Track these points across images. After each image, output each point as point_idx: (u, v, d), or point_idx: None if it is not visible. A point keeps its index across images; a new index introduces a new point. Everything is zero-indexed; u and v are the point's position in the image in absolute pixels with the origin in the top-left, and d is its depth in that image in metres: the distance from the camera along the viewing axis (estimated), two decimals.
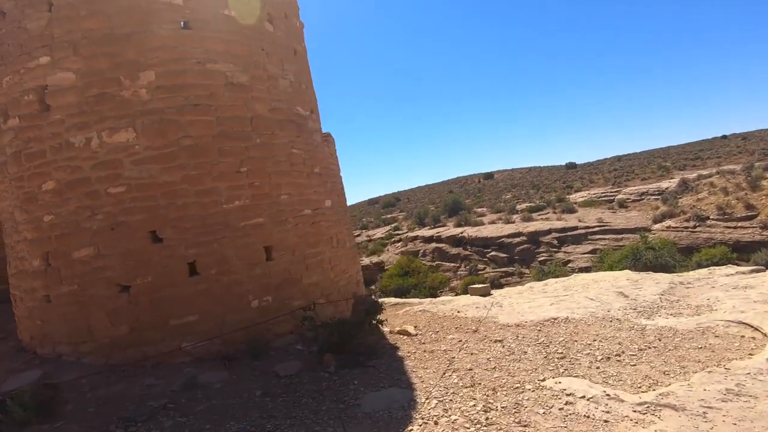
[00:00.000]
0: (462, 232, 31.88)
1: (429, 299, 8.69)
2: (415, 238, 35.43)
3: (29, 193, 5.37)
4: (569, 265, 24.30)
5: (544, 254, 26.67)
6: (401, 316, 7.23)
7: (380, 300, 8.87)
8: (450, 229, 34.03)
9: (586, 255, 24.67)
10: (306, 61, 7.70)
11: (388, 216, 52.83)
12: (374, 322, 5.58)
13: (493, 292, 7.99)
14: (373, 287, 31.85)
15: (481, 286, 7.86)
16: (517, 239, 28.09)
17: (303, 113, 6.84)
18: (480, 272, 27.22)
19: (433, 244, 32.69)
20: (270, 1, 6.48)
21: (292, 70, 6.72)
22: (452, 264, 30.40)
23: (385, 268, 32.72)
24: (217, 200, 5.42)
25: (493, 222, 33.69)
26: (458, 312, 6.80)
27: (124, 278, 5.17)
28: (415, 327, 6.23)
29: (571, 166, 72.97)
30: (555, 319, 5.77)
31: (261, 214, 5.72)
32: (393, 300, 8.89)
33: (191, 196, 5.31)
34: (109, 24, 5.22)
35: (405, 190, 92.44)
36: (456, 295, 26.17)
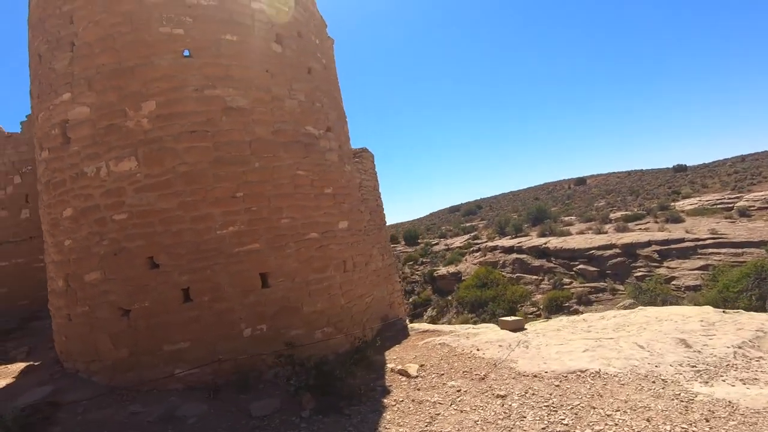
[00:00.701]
0: (546, 243, 29.70)
1: (461, 327, 7.91)
2: (495, 248, 33.80)
3: (55, 219, 5.83)
4: (673, 282, 21.38)
5: (641, 269, 23.75)
6: (419, 348, 6.63)
7: (410, 325, 8.32)
8: (533, 239, 31.92)
9: (694, 272, 21.46)
10: (326, 77, 7.49)
11: (468, 224, 51.12)
12: (365, 360, 5.10)
13: (527, 326, 7.00)
14: (449, 297, 31.11)
15: (512, 319, 6.93)
16: (610, 251, 25.35)
17: (314, 133, 6.63)
18: (565, 287, 25.07)
19: (514, 255, 30.89)
20: (280, 22, 6.37)
21: (303, 89, 6.55)
22: (534, 276, 28.41)
23: (463, 278, 31.71)
24: (212, 226, 5.39)
25: (581, 232, 30.90)
26: (477, 350, 6.03)
27: (125, 302, 5.36)
28: (422, 366, 5.62)
29: (680, 168, 64.17)
30: (583, 372, 4.79)
31: (257, 239, 5.58)
32: (423, 326, 8.28)
33: (186, 222, 5.34)
34: (117, 58, 5.47)
35: (488, 197, 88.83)
36: (537, 311, 24.44)
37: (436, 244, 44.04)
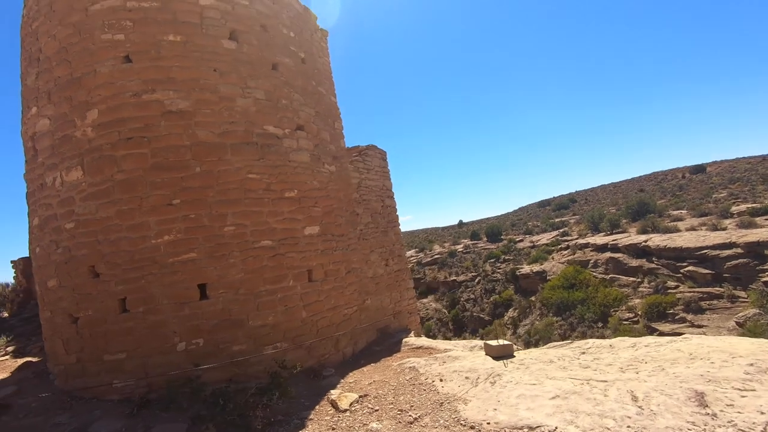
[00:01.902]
0: (646, 241, 26.08)
1: (457, 347, 6.87)
2: (586, 245, 30.61)
3: (30, 227, 6.15)
4: None
5: None
6: (388, 370, 5.86)
7: (406, 340, 7.50)
8: (631, 237, 28.25)
9: None
10: (303, 72, 6.99)
11: (558, 220, 46.86)
12: (280, 388, 4.52)
13: (518, 353, 5.79)
14: (532, 298, 28.99)
15: (498, 344, 5.76)
16: (729, 251, 21.38)
17: (276, 132, 6.17)
18: (670, 291, 21.80)
19: (608, 254, 27.63)
20: (235, 16, 6.02)
21: (263, 86, 6.13)
22: (631, 278, 25.13)
23: (548, 278, 29.34)
24: (147, 235, 5.22)
25: (692, 228, 26.55)
26: (440, 380, 5.10)
27: (73, 309, 5.43)
28: (363, 397, 4.89)
29: None
30: (532, 429, 3.73)
31: (194, 248, 5.30)
32: (420, 341, 7.37)
33: (123, 231, 5.24)
34: (70, 69, 5.55)
35: (583, 189, 79.86)
36: (635, 316, 21.53)
37: (521, 240, 41.42)
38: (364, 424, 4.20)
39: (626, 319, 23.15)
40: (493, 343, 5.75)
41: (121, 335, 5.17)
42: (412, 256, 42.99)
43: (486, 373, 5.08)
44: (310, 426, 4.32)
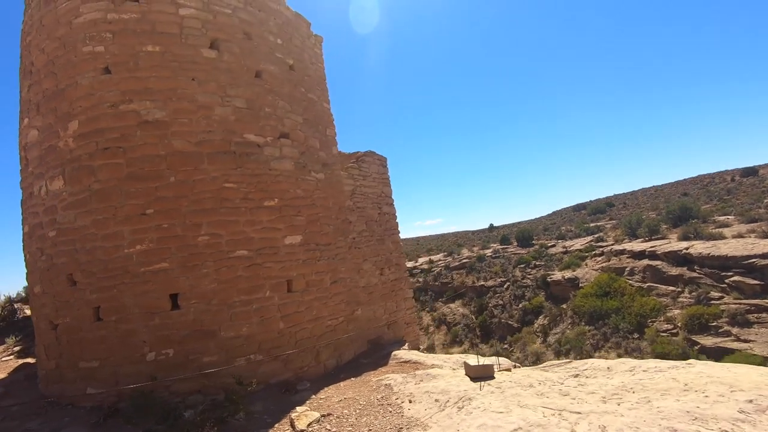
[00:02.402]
0: (688, 248, 24.62)
1: (440, 365, 6.52)
2: (622, 252, 29.22)
3: (23, 235, 6.35)
4: None
5: None
6: (364, 386, 5.65)
7: (397, 353, 7.25)
8: (671, 243, 26.72)
9: None
10: (290, 79, 6.91)
11: (593, 225, 44.87)
12: (233, 407, 4.41)
13: (499, 374, 5.41)
14: (564, 306, 27.98)
15: (478, 364, 5.39)
16: None
17: (257, 141, 6.11)
18: (713, 302, 20.50)
19: (645, 261, 26.26)
20: (217, 25, 6.01)
21: (243, 94, 6.08)
22: (671, 288, 23.78)
23: (581, 285, 28.25)
24: (120, 245, 5.26)
25: (740, 236, 24.83)
26: (409, 402, 4.84)
27: (53, 316, 5.56)
28: (325, 416, 4.70)
29: None
30: None
31: (166, 258, 5.29)
32: (408, 356, 7.07)
33: (98, 240, 5.31)
34: (56, 81, 5.70)
35: (622, 193, 75.63)
36: (673, 328, 20.32)
37: (553, 246, 40.09)
38: None
39: (664, 331, 21.89)
40: (473, 362, 5.44)
41: (95, 343, 5.23)
42: (440, 260, 42.46)
43: (457, 396, 4.79)
44: None
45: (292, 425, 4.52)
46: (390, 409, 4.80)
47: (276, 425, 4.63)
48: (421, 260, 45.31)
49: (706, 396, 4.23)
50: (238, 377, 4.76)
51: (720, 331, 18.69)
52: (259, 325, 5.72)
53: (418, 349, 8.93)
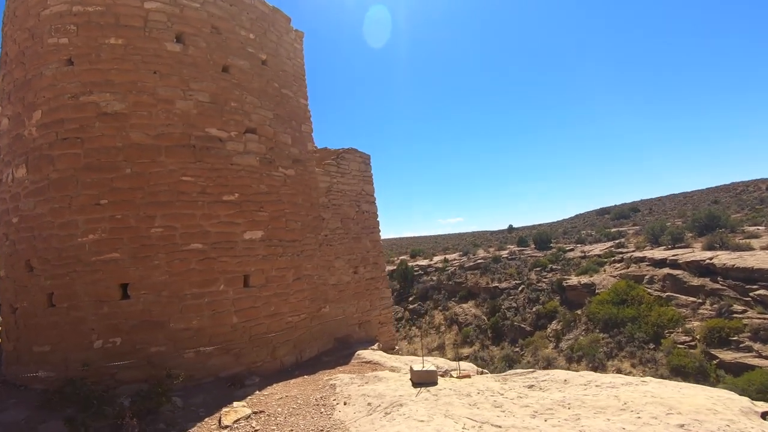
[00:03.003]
0: (712, 258, 23.68)
1: (399, 367, 6.41)
2: (642, 259, 28.30)
3: None
4: None
5: None
6: (312, 384, 5.62)
7: (361, 353, 7.18)
8: (694, 253, 25.71)
9: None
10: (260, 74, 6.90)
11: (615, 230, 43.39)
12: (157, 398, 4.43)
13: (446, 381, 5.25)
14: (578, 312, 27.40)
15: (422, 369, 5.24)
16: None
17: (219, 135, 6.13)
18: (736, 315, 19.69)
19: (666, 270, 25.38)
20: (183, 18, 6.04)
21: (208, 89, 6.11)
22: (691, 299, 22.92)
23: (597, 291, 27.55)
24: (74, 233, 5.37)
25: None
26: (345, 404, 4.78)
27: (13, 300, 5.74)
28: (257, 414, 4.67)
29: None
30: None
31: (118, 248, 5.37)
32: (371, 356, 6.97)
33: (54, 228, 5.43)
34: (24, 71, 5.86)
35: (648, 198, 72.29)
36: (692, 340, 19.59)
37: (571, 249, 39.20)
38: None
39: (682, 343, 21.13)
40: (418, 367, 5.33)
41: (48, 329, 5.37)
42: (455, 260, 42.07)
43: (390, 401, 4.70)
44: None
45: (219, 421, 4.52)
46: (322, 410, 4.76)
47: (207, 419, 4.65)
48: (436, 258, 45.01)
49: (639, 417, 4.03)
50: (169, 370, 4.79)
51: (741, 346, 17.99)
52: (211, 319, 5.75)
53: (392, 349, 8.85)
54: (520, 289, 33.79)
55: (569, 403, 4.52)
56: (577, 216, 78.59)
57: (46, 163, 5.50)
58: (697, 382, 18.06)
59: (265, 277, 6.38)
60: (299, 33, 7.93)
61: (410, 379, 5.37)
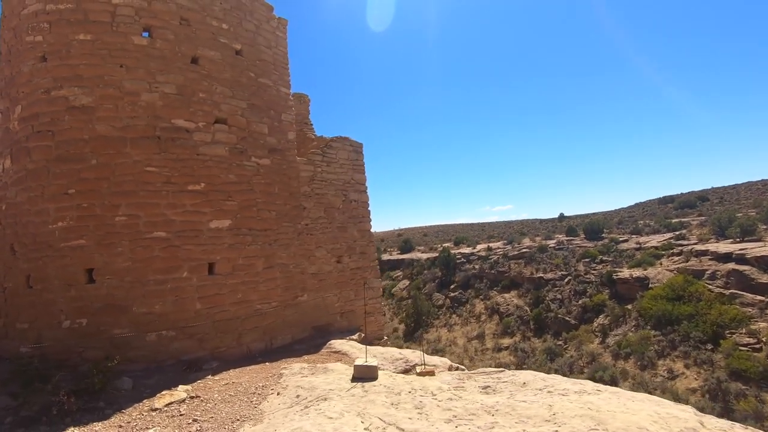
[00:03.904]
0: None
1: (366, 361, 6.31)
2: (704, 252, 26.15)
3: None
4: None
5: None
6: (262, 372, 5.70)
7: (334, 342, 7.17)
8: (766, 247, 23.36)
9: None
10: (234, 64, 6.96)
11: (676, 220, 39.87)
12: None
13: (387, 378, 5.07)
14: (629, 307, 26.07)
15: (361, 364, 5.09)
16: None
17: (186, 126, 6.27)
18: None
19: (731, 265, 23.37)
20: (151, 12, 6.19)
21: (175, 80, 6.25)
22: (759, 297, 21.05)
23: (650, 285, 25.92)
24: (46, 221, 5.75)
25: None
26: (277, 394, 4.82)
27: (2, 280, 6.27)
28: (193, 399, 4.82)
29: None
30: None
31: (84, 235, 5.69)
32: (341, 347, 6.87)
33: (31, 215, 5.85)
34: (11, 69, 6.29)
35: (720, 186, 64.48)
36: (757, 343, 18.07)
37: (625, 240, 36.95)
38: (142, 429, 4.17)
39: (745, 345, 19.50)
40: (360, 362, 5.24)
41: (26, 308, 5.83)
42: (498, 248, 41.03)
43: (318, 394, 4.67)
44: (113, 418, 4.43)
45: (152, 403, 4.71)
46: (254, 399, 4.83)
47: (146, 400, 4.86)
48: (479, 247, 44.12)
49: (557, 431, 3.72)
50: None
51: None
52: (174, 304, 5.97)
53: (380, 339, 8.78)
54: (566, 280, 32.40)
55: (498, 410, 4.26)
56: (636, 204, 73.19)
57: (24, 155, 5.91)
58: (760, 388, 16.48)
59: (232, 265, 6.52)
60: (282, 21, 7.89)
61: (355, 373, 5.29)
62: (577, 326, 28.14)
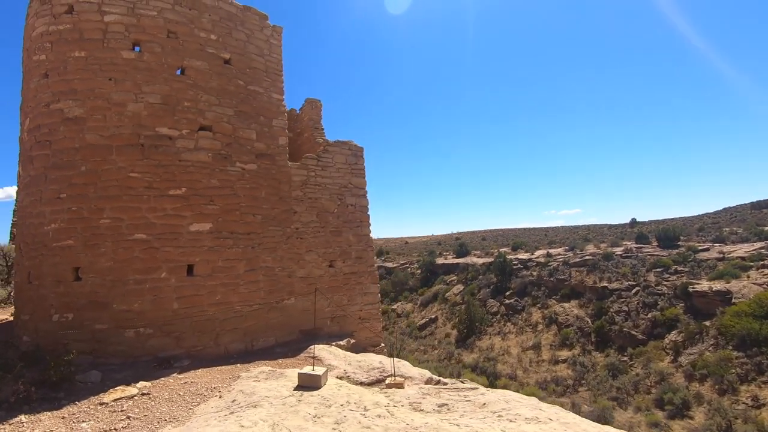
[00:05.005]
0: None
1: (336, 367, 6.15)
2: None
3: None
4: None
5: None
6: (231, 374, 5.80)
7: (312, 346, 7.12)
8: None
9: None
10: (222, 72, 7.22)
11: None
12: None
13: (334, 388, 4.86)
14: (707, 323, 23.81)
15: (308, 372, 4.89)
16: None
17: (170, 134, 6.59)
18: None
19: None
20: (140, 27, 6.58)
21: (160, 90, 6.60)
22: None
23: (733, 301, 23.42)
24: (43, 222, 6.31)
25: None
26: (219, 397, 4.87)
27: (16, 276, 6.97)
28: (143, 396, 5.00)
29: None
30: None
31: (72, 236, 6.16)
32: (320, 352, 6.71)
33: (32, 217, 6.46)
34: (25, 86, 7.00)
35: None
36: None
37: (705, 249, 33.45)
38: (78, 422, 4.40)
39: None
40: (307, 370, 5.14)
41: (28, 301, 6.44)
42: (559, 255, 38.90)
43: (252, 400, 4.66)
44: (63, 410, 4.72)
45: (104, 397, 4.96)
46: (197, 400, 4.93)
47: (101, 394, 5.13)
48: (538, 253, 42.09)
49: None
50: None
51: None
52: (152, 303, 6.28)
53: (377, 346, 8.58)
54: (633, 291, 30.03)
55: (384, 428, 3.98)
56: (724, 210, 65.43)
57: (28, 163, 6.54)
58: None
59: (212, 267, 6.73)
60: (277, 28, 8.03)
61: (299, 381, 5.21)
62: (645, 342, 25.87)
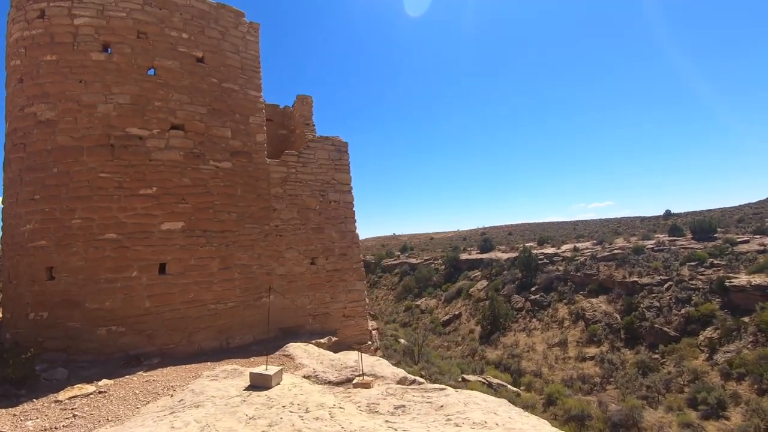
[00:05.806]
0: None
1: (307, 366, 6.03)
2: None
3: None
4: None
5: None
6: (195, 372, 5.78)
7: (290, 345, 7.02)
8: None
9: None
10: (195, 71, 7.23)
11: None
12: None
13: (283, 387, 4.72)
14: (745, 319, 22.67)
15: (259, 372, 4.77)
16: None
17: (140, 133, 6.63)
18: None
19: None
20: (110, 29, 6.64)
21: (130, 91, 6.65)
22: None
23: None
24: (19, 223, 6.47)
25: None
26: (170, 396, 4.84)
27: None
28: (99, 394, 5.05)
29: None
30: None
31: (45, 237, 6.29)
32: (294, 351, 6.61)
33: (11, 219, 6.64)
34: (6, 91, 7.19)
35: None
36: None
37: (745, 242, 31.58)
38: (26, 419, 4.45)
39: None
40: (259, 370, 5.04)
41: (8, 300, 6.63)
42: (586, 249, 37.58)
43: (198, 400, 4.61)
44: (19, 407, 4.80)
45: (60, 395, 5.02)
46: (147, 399, 4.93)
47: (60, 391, 5.19)
48: (564, 247, 40.81)
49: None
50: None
51: None
52: (124, 301, 6.35)
53: (363, 343, 8.42)
54: (666, 286, 28.65)
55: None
56: (767, 200, 61.12)
57: (7, 166, 6.72)
58: None
59: (184, 265, 6.74)
60: (254, 25, 7.96)
61: (251, 380, 5.12)
62: (677, 339, 24.63)
